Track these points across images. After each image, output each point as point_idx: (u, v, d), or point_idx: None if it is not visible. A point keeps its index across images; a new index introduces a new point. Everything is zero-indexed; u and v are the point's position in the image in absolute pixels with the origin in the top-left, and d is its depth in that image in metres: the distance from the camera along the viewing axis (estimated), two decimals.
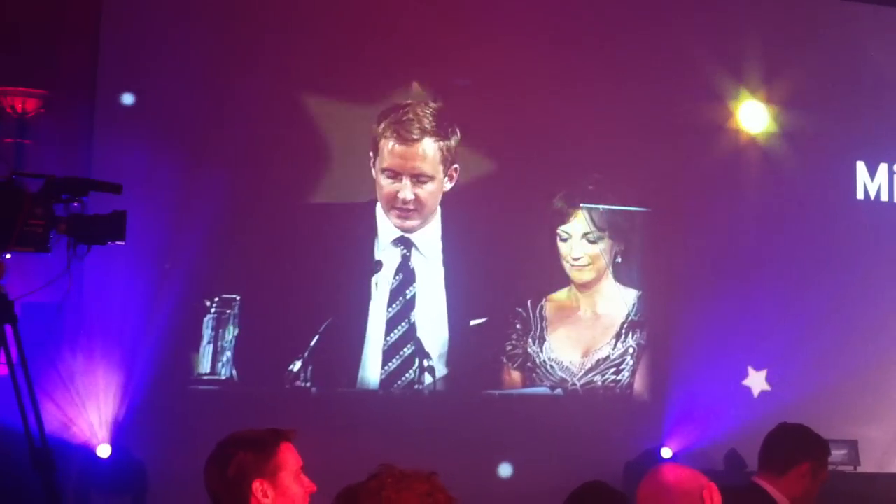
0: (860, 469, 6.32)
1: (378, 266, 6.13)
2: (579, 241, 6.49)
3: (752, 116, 6.88)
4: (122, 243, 3.85)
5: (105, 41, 5.85)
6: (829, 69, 7.03)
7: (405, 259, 6.18)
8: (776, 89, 6.89)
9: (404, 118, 6.16)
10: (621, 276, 6.58)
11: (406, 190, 6.12)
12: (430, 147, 6.19)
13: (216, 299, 5.89)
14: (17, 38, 5.65)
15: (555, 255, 6.48)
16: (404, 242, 6.20)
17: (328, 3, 6.25)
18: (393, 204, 6.13)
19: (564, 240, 6.49)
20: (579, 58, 6.56)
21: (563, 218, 6.49)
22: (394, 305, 6.14)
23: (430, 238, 6.24)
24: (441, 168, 6.20)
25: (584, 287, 6.51)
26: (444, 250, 6.24)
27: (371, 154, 6.15)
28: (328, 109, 6.12)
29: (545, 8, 6.58)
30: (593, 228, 6.51)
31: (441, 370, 6.17)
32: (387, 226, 6.17)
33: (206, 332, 5.88)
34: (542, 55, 6.49)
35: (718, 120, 6.82)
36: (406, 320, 6.14)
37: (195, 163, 5.89)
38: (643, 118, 6.60)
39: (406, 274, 6.18)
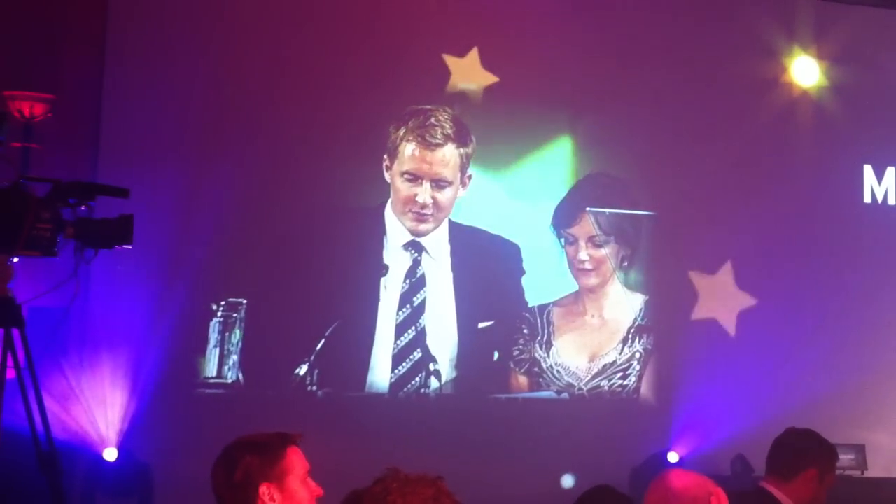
0: (867, 474, 6.30)
1: (385, 270, 6.13)
2: (585, 244, 6.48)
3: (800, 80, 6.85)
4: (130, 247, 3.87)
5: (111, 45, 5.85)
6: (836, 73, 7.02)
7: (415, 263, 6.19)
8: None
9: (427, 122, 6.19)
10: (628, 280, 6.57)
11: (425, 193, 6.14)
12: (451, 152, 6.22)
13: (223, 303, 5.89)
14: (24, 42, 5.66)
15: (561, 260, 6.47)
16: (415, 246, 6.20)
17: (339, 3, 6.25)
18: (410, 207, 6.15)
19: (571, 243, 6.49)
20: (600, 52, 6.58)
21: (569, 221, 6.49)
22: (403, 310, 6.14)
23: (439, 242, 6.24)
24: (459, 174, 6.23)
25: (590, 291, 6.51)
26: (453, 254, 6.25)
27: (385, 157, 6.16)
28: (337, 112, 6.12)
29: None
30: (599, 232, 6.50)
31: (450, 374, 6.18)
32: (396, 229, 6.18)
33: (213, 336, 5.88)
34: (554, 55, 6.50)
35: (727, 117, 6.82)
36: (416, 325, 6.14)
37: (202, 166, 5.89)
38: (654, 117, 6.62)
39: (416, 278, 6.19)
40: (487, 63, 6.39)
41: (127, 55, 5.87)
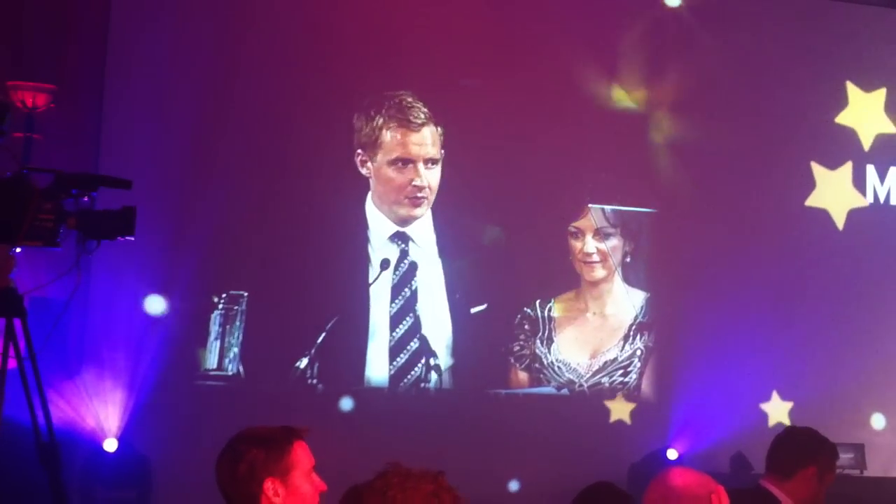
0: (866, 473, 6.31)
1: (385, 264, 6.12)
2: (591, 237, 6.47)
3: None
4: (132, 238, 3.86)
5: (114, 36, 5.86)
6: (838, 73, 7.01)
7: (403, 254, 6.18)
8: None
9: (405, 106, 6.17)
10: (629, 277, 6.56)
11: (421, 176, 6.12)
12: (431, 131, 6.22)
13: (224, 295, 5.89)
14: (27, 33, 5.65)
15: (564, 255, 6.46)
16: (401, 237, 6.19)
17: (330, 8, 6.24)
18: (406, 193, 6.12)
19: (576, 236, 6.47)
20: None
21: (575, 214, 6.47)
22: (396, 301, 6.14)
23: (424, 231, 6.23)
24: (441, 153, 6.22)
25: (594, 285, 6.48)
26: (439, 242, 6.23)
27: (360, 152, 6.12)
28: (327, 109, 6.11)
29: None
30: (605, 224, 6.49)
31: (447, 362, 6.17)
32: (379, 223, 6.15)
33: (214, 328, 5.88)
34: (545, 54, 6.49)
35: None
36: (410, 315, 6.14)
37: (204, 159, 5.89)
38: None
39: (406, 269, 6.17)
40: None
41: (129, 46, 5.87)
